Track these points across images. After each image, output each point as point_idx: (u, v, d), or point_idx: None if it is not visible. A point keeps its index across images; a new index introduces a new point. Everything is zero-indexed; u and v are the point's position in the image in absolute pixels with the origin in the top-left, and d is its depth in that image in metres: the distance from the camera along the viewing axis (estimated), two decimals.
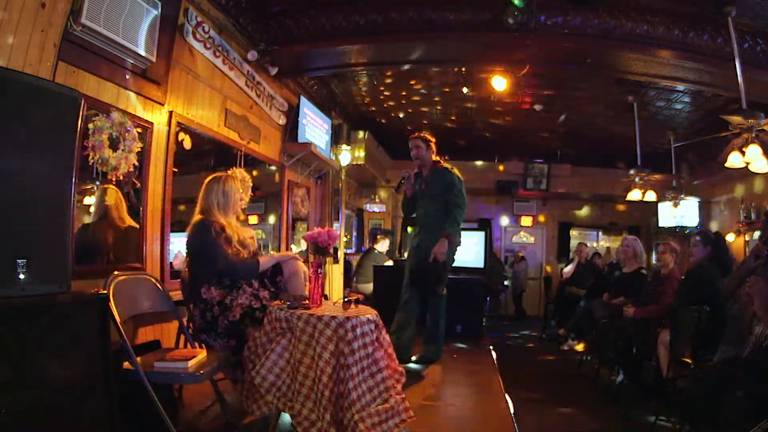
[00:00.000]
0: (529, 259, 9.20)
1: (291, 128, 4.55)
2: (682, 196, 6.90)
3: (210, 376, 2.03)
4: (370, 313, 2.05)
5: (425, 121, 6.65)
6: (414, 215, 3.70)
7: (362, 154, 6.39)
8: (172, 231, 2.91)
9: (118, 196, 2.55)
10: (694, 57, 3.57)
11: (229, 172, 3.54)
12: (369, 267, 6.03)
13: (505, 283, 8.62)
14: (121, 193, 2.55)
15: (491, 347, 4.37)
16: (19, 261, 1.44)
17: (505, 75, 4.64)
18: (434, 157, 3.55)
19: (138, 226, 2.69)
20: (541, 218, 9.36)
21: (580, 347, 5.07)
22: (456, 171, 3.47)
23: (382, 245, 6.33)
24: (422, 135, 3.55)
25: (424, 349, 3.47)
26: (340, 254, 6.12)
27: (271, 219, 4.58)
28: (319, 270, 2.15)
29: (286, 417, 2.07)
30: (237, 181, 2.57)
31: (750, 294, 2.34)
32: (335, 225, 6.03)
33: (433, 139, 3.56)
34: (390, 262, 6.06)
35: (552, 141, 7.43)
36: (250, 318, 2.28)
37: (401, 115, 6.49)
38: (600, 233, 9.46)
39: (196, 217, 2.44)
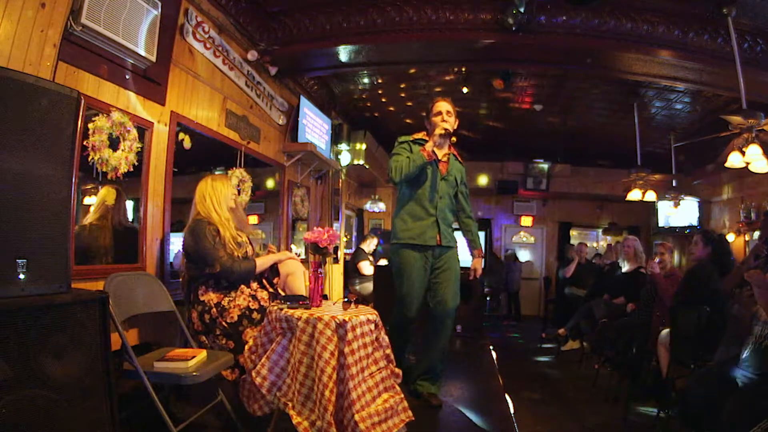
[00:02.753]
0: (529, 258, 9.21)
1: (291, 128, 4.55)
2: (682, 196, 6.90)
3: (210, 376, 2.03)
4: (369, 313, 2.05)
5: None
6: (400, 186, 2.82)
7: (362, 153, 6.40)
8: (172, 231, 2.91)
9: (119, 196, 2.56)
10: (694, 57, 3.57)
11: (229, 172, 3.55)
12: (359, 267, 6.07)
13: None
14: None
15: (491, 347, 4.37)
16: (19, 261, 1.45)
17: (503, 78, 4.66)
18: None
19: (137, 227, 2.69)
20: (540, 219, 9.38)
21: (576, 345, 5.08)
22: None
23: (369, 245, 6.35)
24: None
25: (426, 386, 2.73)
26: (340, 254, 6.13)
27: (271, 219, 4.58)
28: (319, 270, 2.15)
29: (286, 417, 2.07)
30: (225, 179, 2.56)
31: (749, 282, 2.34)
32: (335, 225, 6.03)
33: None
34: (368, 263, 6.07)
35: (552, 141, 7.43)
36: (247, 319, 2.29)
37: (401, 116, 6.49)
38: (600, 233, 9.46)
39: (192, 219, 2.45)
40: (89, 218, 2.45)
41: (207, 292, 2.34)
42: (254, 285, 2.44)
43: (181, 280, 2.59)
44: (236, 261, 2.39)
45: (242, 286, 2.39)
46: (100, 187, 2.45)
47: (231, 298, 2.33)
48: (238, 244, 2.47)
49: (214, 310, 2.31)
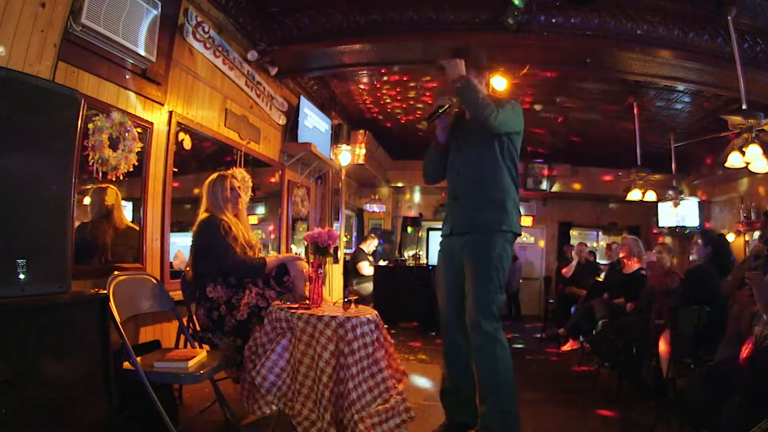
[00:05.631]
0: (529, 258, 9.21)
1: (291, 128, 4.55)
2: (682, 196, 6.89)
3: (210, 376, 2.03)
4: (370, 313, 2.05)
5: (425, 122, 6.66)
6: (438, 180, 2.37)
7: (362, 154, 6.40)
8: (172, 231, 2.91)
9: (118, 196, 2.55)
10: (694, 57, 3.57)
11: (229, 172, 3.55)
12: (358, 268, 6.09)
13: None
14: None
15: None
16: (19, 261, 1.44)
17: (505, 75, 4.65)
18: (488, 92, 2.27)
19: (137, 227, 2.69)
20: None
21: (576, 345, 5.08)
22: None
23: (369, 245, 6.35)
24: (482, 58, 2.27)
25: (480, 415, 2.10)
26: (340, 254, 6.13)
27: (271, 219, 4.58)
28: (319, 270, 2.15)
29: (286, 417, 2.07)
30: (226, 179, 2.55)
31: (749, 285, 2.34)
32: (335, 225, 6.03)
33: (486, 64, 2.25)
34: (367, 263, 6.07)
35: (552, 141, 7.43)
36: (257, 317, 2.28)
37: (401, 115, 6.49)
38: (600, 233, 9.46)
39: (202, 215, 2.46)
40: (89, 218, 2.45)
41: (215, 289, 2.35)
42: (261, 284, 2.45)
43: (182, 278, 2.59)
44: (248, 256, 2.42)
45: (250, 284, 2.40)
46: (96, 186, 2.45)
47: (240, 297, 2.34)
48: (249, 245, 2.49)
49: (224, 307, 2.32)
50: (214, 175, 2.56)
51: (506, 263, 2.14)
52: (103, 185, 2.44)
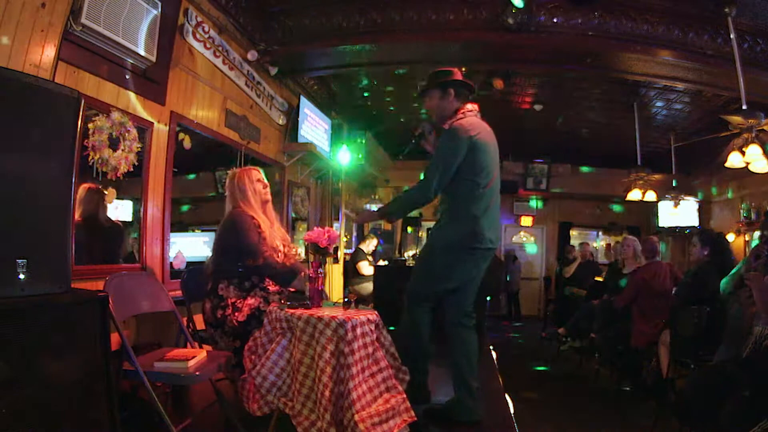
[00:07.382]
0: (529, 258, 9.22)
1: (291, 128, 4.55)
2: (682, 196, 6.90)
3: (210, 376, 2.03)
4: (370, 313, 2.05)
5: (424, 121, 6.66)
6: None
7: (362, 154, 6.40)
8: (172, 231, 2.91)
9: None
10: (694, 57, 3.58)
11: (229, 172, 3.53)
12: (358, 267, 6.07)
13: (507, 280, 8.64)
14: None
15: (491, 347, 4.37)
16: (19, 261, 1.44)
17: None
18: (459, 108, 2.36)
19: (121, 224, 2.68)
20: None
21: (575, 345, 5.09)
22: (464, 124, 2.24)
23: (368, 245, 6.35)
24: (440, 77, 2.34)
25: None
26: (340, 254, 6.13)
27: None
28: (319, 270, 2.15)
29: (286, 417, 2.07)
30: (251, 173, 2.49)
31: (749, 286, 2.34)
32: (335, 225, 6.03)
33: (456, 75, 2.37)
34: (367, 263, 6.06)
35: (552, 141, 7.43)
36: (256, 320, 2.28)
37: (401, 115, 6.50)
38: (600, 233, 9.46)
39: (231, 210, 2.41)
40: (88, 217, 2.44)
41: (228, 288, 2.34)
42: (271, 288, 2.43)
43: (183, 276, 2.58)
44: (281, 263, 2.39)
45: (257, 289, 2.39)
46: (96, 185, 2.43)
47: (245, 299, 2.33)
48: (281, 242, 2.46)
49: (229, 308, 2.31)
50: (237, 170, 2.49)
51: (450, 270, 2.34)
52: (93, 184, 2.41)
